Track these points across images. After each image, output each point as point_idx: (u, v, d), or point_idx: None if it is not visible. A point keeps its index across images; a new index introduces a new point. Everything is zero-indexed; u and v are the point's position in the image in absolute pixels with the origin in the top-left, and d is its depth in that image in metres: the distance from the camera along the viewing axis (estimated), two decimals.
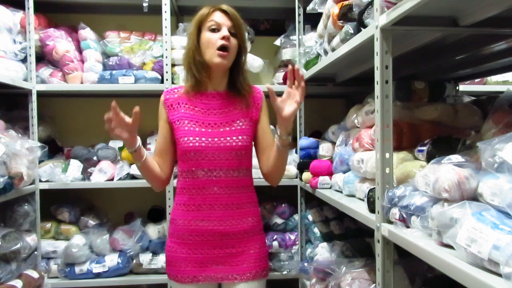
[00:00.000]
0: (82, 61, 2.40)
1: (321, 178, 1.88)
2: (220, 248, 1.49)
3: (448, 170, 0.91)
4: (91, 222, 2.42)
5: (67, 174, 2.29)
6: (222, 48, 1.43)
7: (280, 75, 2.53)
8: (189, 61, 1.50)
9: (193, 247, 1.49)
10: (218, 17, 1.46)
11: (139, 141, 1.41)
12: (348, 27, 1.46)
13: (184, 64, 1.54)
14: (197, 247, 1.49)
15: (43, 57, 2.40)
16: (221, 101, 1.51)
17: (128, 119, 1.33)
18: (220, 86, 1.53)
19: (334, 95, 2.73)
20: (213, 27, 1.45)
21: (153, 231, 2.41)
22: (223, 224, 1.48)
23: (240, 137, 1.47)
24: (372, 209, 1.27)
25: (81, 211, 2.47)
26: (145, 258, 2.37)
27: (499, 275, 0.69)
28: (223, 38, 1.42)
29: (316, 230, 2.14)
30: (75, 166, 2.34)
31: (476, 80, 2.50)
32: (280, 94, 1.37)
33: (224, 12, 1.46)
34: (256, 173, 1.60)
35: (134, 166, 2.38)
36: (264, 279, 1.55)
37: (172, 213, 1.55)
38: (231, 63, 1.48)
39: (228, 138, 1.47)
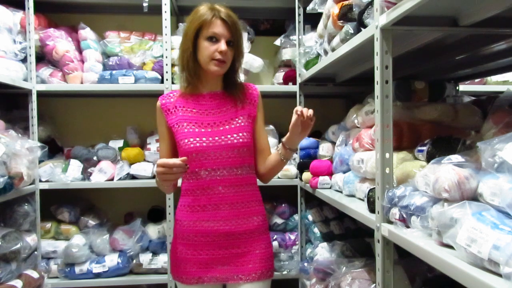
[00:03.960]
0: (82, 61, 2.40)
1: (321, 178, 1.88)
2: (225, 249, 1.49)
3: (448, 170, 0.91)
4: (91, 222, 2.42)
5: (67, 174, 2.29)
6: (218, 60, 1.43)
7: (280, 75, 2.53)
8: (183, 65, 1.49)
9: (199, 247, 1.49)
10: (218, 28, 1.43)
11: None
12: (348, 27, 1.46)
13: (179, 65, 1.54)
14: (203, 247, 1.49)
15: (43, 57, 2.40)
16: (218, 101, 1.52)
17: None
18: (216, 87, 1.54)
19: (334, 95, 2.73)
20: (211, 36, 1.43)
21: (153, 231, 2.41)
22: (229, 224, 1.48)
23: (240, 134, 1.47)
24: (372, 209, 1.27)
25: (81, 211, 2.47)
26: (145, 258, 2.37)
27: (499, 275, 0.69)
28: (221, 52, 1.42)
29: (316, 230, 2.14)
30: (75, 166, 2.34)
31: (476, 80, 2.50)
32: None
33: (224, 21, 1.44)
34: None
35: (134, 166, 2.38)
36: (269, 279, 1.54)
37: (177, 214, 1.55)
38: (226, 69, 1.49)
39: (229, 136, 1.46)
